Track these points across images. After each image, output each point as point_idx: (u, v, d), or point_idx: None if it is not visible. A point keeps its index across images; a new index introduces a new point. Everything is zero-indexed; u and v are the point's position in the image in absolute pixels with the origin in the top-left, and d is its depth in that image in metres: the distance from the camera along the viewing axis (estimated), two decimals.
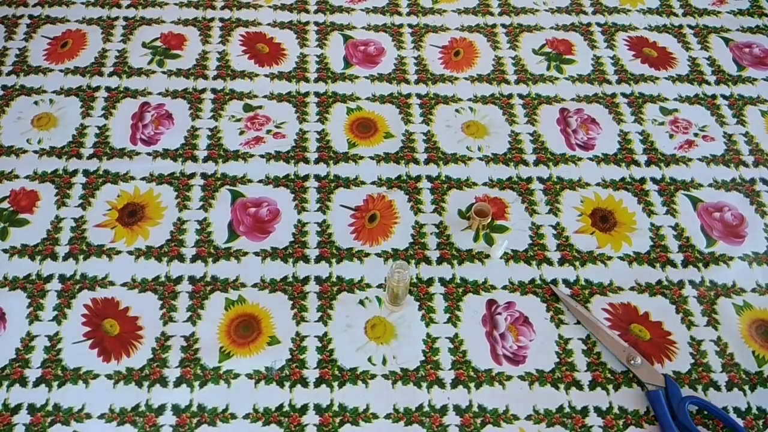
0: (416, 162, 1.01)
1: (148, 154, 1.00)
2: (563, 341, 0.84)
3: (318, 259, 0.90)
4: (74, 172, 0.98)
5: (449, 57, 1.16)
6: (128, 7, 1.20)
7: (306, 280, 0.88)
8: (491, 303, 0.87)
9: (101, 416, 0.77)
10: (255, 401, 0.78)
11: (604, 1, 1.26)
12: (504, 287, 0.89)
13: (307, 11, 1.22)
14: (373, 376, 0.81)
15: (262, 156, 1.00)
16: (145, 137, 1.02)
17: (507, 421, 0.78)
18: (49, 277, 0.87)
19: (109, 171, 0.98)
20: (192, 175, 0.98)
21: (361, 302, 0.87)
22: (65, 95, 1.07)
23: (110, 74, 1.10)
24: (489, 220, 0.93)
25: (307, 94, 1.09)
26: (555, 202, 0.98)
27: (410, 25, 1.20)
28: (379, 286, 0.88)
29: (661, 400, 0.75)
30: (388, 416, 0.78)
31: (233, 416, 0.77)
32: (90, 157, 0.99)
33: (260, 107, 1.07)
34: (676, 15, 1.25)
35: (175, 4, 1.21)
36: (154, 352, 0.82)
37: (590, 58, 1.17)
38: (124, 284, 0.87)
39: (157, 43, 1.15)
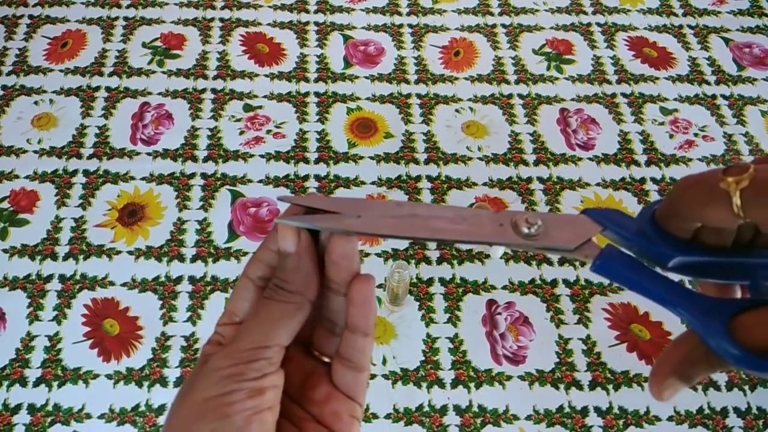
0: (416, 162, 1.01)
1: (148, 154, 1.00)
2: (563, 341, 0.84)
3: None
4: (74, 172, 0.98)
5: (449, 57, 1.16)
6: (128, 7, 1.20)
7: None
8: (491, 303, 0.87)
9: (101, 416, 0.77)
10: None
11: (604, 1, 1.26)
12: (504, 287, 0.89)
13: (307, 11, 1.22)
14: (373, 376, 0.81)
15: (262, 156, 1.00)
16: (145, 137, 1.02)
17: (507, 421, 0.78)
18: (49, 277, 0.87)
19: (109, 171, 0.98)
20: (192, 175, 0.98)
21: None
22: (65, 95, 1.07)
23: (110, 74, 1.10)
24: None
25: (307, 94, 1.09)
26: (555, 202, 0.98)
27: (410, 25, 1.20)
28: (380, 286, 0.88)
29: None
30: (388, 416, 0.78)
31: None
32: (90, 157, 0.99)
33: (260, 107, 1.07)
34: (676, 15, 1.25)
35: (175, 4, 1.21)
36: (154, 352, 0.82)
37: (590, 58, 1.17)
38: (124, 284, 0.87)
39: (157, 43, 1.15)
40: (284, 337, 0.26)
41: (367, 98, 1.09)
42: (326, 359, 0.28)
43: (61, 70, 1.10)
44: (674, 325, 0.86)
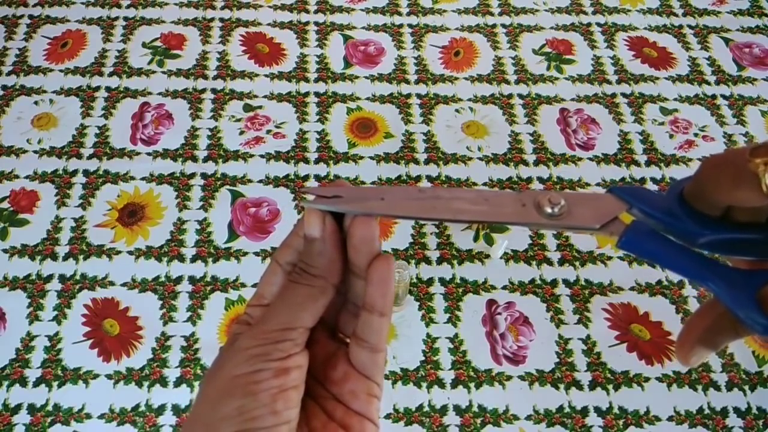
0: (416, 162, 1.01)
1: (148, 154, 1.00)
2: (563, 341, 0.84)
3: None
4: (74, 172, 0.98)
5: (449, 57, 1.16)
6: (128, 7, 1.20)
7: None
8: (491, 303, 0.87)
9: (101, 416, 0.77)
10: None
11: (604, 1, 1.26)
12: (504, 287, 0.89)
13: (307, 11, 1.22)
14: None
15: (262, 156, 1.00)
16: (145, 137, 1.02)
17: (507, 421, 0.78)
18: (49, 277, 0.87)
19: (109, 171, 0.98)
20: (192, 175, 0.98)
21: None
22: (65, 95, 1.07)
23: (110, 74, 1.10)
24: None
25: (307, 94, 1.09)
26: None
27: (410, 25, 1.20)
28: None
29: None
30: (388, 416, 0.78)
31: None
32: (90, 157, 0.99)
33: (260, 107, 1.07)
34: (676, 15, 1.25)
35: (175, 4, 1.21)
36: (154, 352, 0.82)
37: (590, 58, 1.17)
38: (124, 284, 0.87)
39: (157, 43, 1.15)
40: (308, 319, 0.27)
41: (367, 98, 1.09)
42: (349, 341, 0.29)
43: (61, 70, 1.10)
44: (674, 325, 0.86)
